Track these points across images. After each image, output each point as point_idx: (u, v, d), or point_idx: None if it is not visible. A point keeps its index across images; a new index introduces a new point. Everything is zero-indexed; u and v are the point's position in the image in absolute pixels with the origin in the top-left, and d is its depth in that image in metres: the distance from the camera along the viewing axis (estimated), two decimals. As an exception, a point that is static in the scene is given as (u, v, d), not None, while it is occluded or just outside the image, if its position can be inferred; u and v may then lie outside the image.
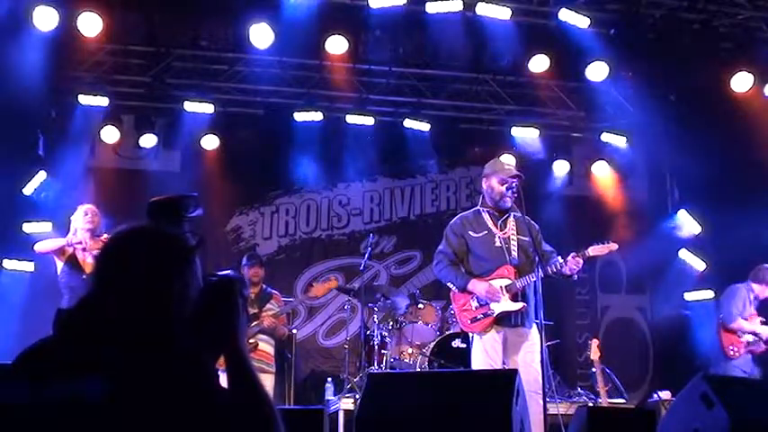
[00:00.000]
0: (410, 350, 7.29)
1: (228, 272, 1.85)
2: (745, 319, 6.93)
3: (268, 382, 6.52)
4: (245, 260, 6.96)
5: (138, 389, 1.58)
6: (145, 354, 1.64)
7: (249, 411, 1.68)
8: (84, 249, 5.93)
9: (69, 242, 5.95)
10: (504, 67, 8.82)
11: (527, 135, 9.14)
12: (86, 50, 7.82)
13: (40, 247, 6.08)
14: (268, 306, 6.63)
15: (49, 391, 1.60)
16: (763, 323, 6.96)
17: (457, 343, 7.05)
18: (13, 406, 1.60)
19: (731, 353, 6.88)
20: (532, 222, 5.23)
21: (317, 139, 8.90)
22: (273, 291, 6.88)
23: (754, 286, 7.07)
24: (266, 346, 6.55)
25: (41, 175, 7.99)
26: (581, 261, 4.92)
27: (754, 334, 6.90)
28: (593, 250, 5.01)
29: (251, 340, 6.41)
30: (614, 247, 5.07)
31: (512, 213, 5.15)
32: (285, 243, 9.36)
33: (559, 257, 5.04)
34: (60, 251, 5.94)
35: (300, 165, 9.00)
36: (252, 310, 6.51)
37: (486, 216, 5.17)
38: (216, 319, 1.75)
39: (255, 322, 6.45)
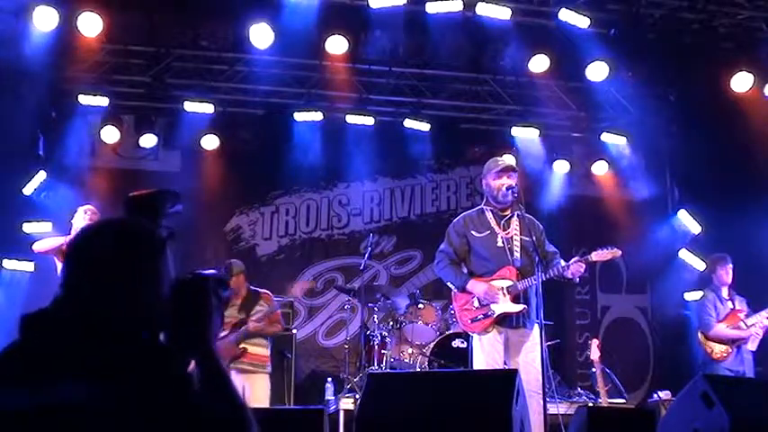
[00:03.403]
0: (410, 350, 7.29)
1: (212, 270, 1.80)
2: (724, 320, 6.86)
3: (263, 382, 6.50)
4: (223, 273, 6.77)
5: (112, 388, 1.55)
6: (117, 352, 1.61)
7: (221, 414, 1.65)
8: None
9: (68, 241, 5.94)
10: (504, 67, 8.81)
11: (527, 135, 9.14)
12: (86, 50, 7.80)
13: (38, 246, 6.08)
14: (257, 308, 6.56)
15: (20, 397, 1.55)
16: (747, 315, 6.87)
17: (457, 343, 7.06)
18: None
19: (717, 356, 6.78)
20: (536, 222, 5.23)
21: (317, 139, 8.90)
22: (262, 290, 6.79)
23: (715, 281, 6.99)
24: (257, 348, 6.50)
25: (41, 175, 7.98)
26: (583, 266, 4.91)
27: (737, 338, 6.75)
28: (595, 255, 5.00)
29: (241, 345, 6.39)
30: (618, 253, 5.05)
31: (515, 213, 5.13)
32: (285, 243, 9.35)
33: (561, 260, 5.03)
34: (59, 251, 5.94)
35: (301, 165, 8.98)
36: (239, 316, 6.47)
37: (489, 215, 5.15)
38: (186, 319, 1.71)
39: (243, 327, 6.40)
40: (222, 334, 6.42)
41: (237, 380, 6.35)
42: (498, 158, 5.41)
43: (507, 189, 5.03)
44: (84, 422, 1.53)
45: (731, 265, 6.96)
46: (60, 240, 6.01)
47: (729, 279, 6.95)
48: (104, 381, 1.56)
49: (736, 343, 6.79)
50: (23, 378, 1.59)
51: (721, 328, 6.79)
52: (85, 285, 1.71)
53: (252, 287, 6.75)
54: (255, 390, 6.40)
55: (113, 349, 1.62)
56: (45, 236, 6.63)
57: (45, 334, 1.65)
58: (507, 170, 5.08)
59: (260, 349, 6.54)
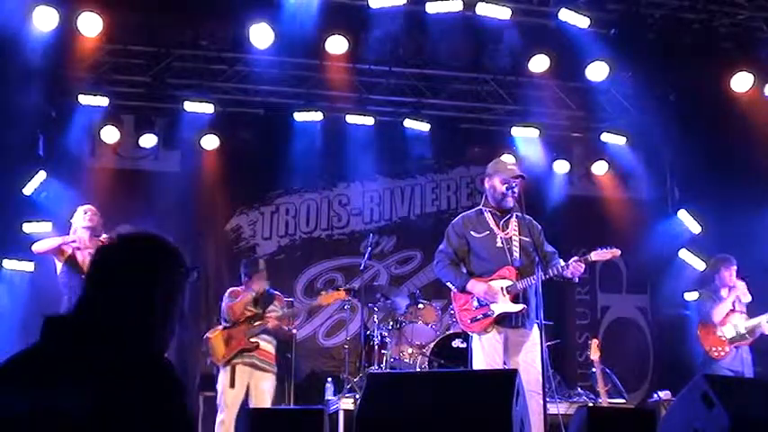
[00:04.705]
0: (410, 350, 7.30)
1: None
2: (723, 320, 6.84)
3: (269, 382, 6.48)
4: (242, 268, 6.80)
5: (118, 392, 1.58)
6: (125, 358, 1.64)
7: None
8: (80, 248, 5.92)
9: (66, 241, 5.94)
10: (504, 67, 8.81)
11: (527, 135, 9.14)
12: (86, 50, 7.79)
13: (37, 247, 6.07)
14: (271, 307, 6.58)
15: (28, 401, 1.58)
16: (746, 319, 6.85)
17: (457, 343, 7.06)
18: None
19: (715, 354, 6.79)
20: (534, 222, 5.23)
21: (317, 139, 8.90)
22: (276, 292, 6.82)
23: (717, 281, 6.99)
24: (268, 345, 6.50)
25: (41, 175, 7.98)
26: (583, 265, 4.91)
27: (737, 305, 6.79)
28: (595, 255, 4.99)
29: (252, 339, 6.38)
30: (617, 252, 5.04)
31: (514, 213, 5.14)
32: (285, 243, 9.35)
33: (561, 260, 5.03)
34: (59, 251, 5.94)
35: (300, 165, 8.98)
36: (255, 310, 6.49)
37: (488, 216, 5.16)
38: None
39: (259, 322, 6.41)
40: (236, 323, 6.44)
41: (243, 374, 6.35)
42: (507, 162, 5.39)
43: (507, 189, 5.04)
44: (90, 425, 1.55)
45: (735, 267, 6.95)
46: (59, 241, 6.00)
47: (732, 281, 6.94)
48: (111, 385, 1.59)
49: (735, 343, 6.80)
50: (34, 380, 1.63)
51: (721, 308, 6.79)
52: (102, 292, 1.78)
53: (267, 288, 6.74)
54: (262, 389, 6.37)
55: (122, 355, 1.65)
56: (45, 236, 6.63)
57: (60, 337, 1.71)
58: (517, 178, 5.08)
59: (270, 347, 6.53)
